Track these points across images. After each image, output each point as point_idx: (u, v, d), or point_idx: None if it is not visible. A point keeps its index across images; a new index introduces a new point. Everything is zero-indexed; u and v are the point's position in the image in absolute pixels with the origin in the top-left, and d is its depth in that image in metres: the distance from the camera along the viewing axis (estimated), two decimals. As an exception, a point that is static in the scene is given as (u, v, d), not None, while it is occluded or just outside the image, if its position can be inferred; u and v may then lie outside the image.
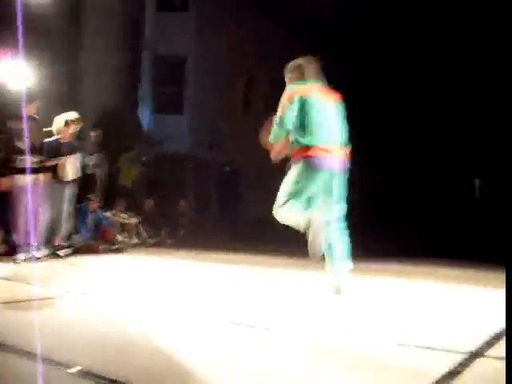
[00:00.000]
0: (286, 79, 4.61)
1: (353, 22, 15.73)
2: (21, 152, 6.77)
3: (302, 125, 4.32)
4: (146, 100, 16.27)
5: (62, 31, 11.24)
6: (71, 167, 7.70)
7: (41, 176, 7.04)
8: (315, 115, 4.33)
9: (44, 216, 7.20)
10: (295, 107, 4.31)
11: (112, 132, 12.01)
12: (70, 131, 7.72)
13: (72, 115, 7.71)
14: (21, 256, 6.76)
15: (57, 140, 7.68)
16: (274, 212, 4.41)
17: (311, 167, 4.28)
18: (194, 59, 17.50)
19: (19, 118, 6.80)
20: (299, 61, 4.59)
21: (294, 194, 4.32)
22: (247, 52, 16.68)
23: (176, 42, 17.09)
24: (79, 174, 7.96)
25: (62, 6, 9.96)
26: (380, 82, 15.95)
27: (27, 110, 6.83)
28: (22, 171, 6.79)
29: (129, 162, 12.02)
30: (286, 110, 4.32)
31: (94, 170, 10.11)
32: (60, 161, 7.50)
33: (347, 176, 4.50)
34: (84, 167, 9.41)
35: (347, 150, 4.54)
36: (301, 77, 4.51)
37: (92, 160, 10.06)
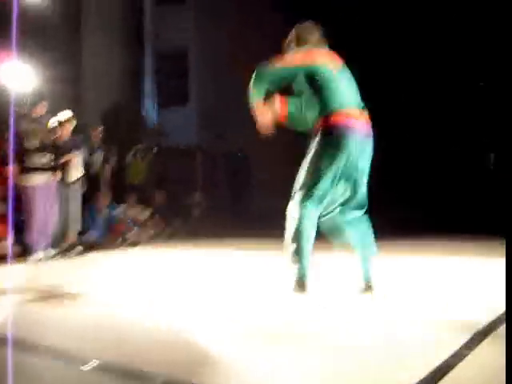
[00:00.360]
0: (289, 47, 4.09)
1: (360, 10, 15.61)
2: (31, 152, 6.79)
3: (321, 93, 3.75)
4: (149, 94, 16.25)
5: (62, 29, 11.24)
6: (73, 168, 7.74)
7: (53, 176, 7.05)
8: (335, 80, 3.79)
9: (56, 216, 7.23)
10: (306, 70, 3.77)
11: (118, 127, 12.02)
12: (64, 131, 7.71)
13: (64, 115, 7.67)
14: (35, 256, 6.80)
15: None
16: (294, 206, 3.72)
17: (338, 136, 3.65)
18: (195, 50, 17.44)
19: (28, 118, 6.86)
20: (303, 27, 4.08)
21: (320, 183, 3.63)
22: (249, 40, 16.60)
23: (176, 34, 17.04)
24: (82, 173, 7.97)
25: (61, 4, 9.94)
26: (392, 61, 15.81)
27: (36, 111, 6.89)
28: (34, 171, 6.82)
29: (137, 156, 12.00)
30: (293, 68, 3.79)
31: (102, 167, 10.10)
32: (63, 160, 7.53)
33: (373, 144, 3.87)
34: (91, 164, 9.46)
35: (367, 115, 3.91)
36: (308, 41, 3.98)
37: (99, 157, 10.05)
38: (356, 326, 2.91)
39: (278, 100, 3.94)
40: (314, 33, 4.03)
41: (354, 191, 3.78)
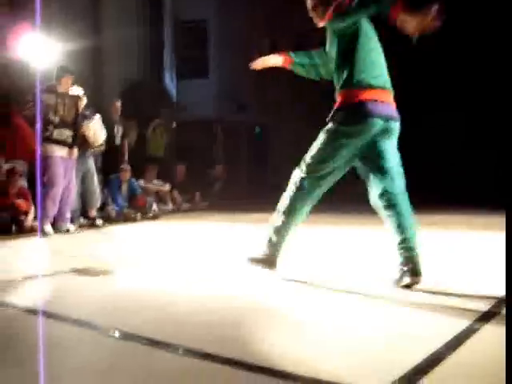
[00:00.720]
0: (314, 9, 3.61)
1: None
2: (54, 125, 6.86)
3: (351, 59, 3.38)
4: (169, 66, 16.20)
5: (81, 4, 11.22)
6: (98, 130, 7.78)
7: (74, 149, 7.12)
8: (371, 47, 3.44)
9: (74, 191, 7.28)
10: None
11: (138, 101, 12.03)
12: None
13: (76, 91, 7.68)
14: (48, 228, 6.82)
15: None
16: (296, 175, 3.55)
17: (364, 115, 3.34)
18: (214, 22, 17.31)
19: (51, 91, 6.87)
20: None
21: (329, 162, 3.43)
22: (269, 12, 16.43)
23: (196, 6, 16.90)
24: (105, 136, 8.00)
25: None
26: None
27: (60, 86, 6.91)
28: (57, 143, 6.91)
29: (156, 130, 12.02)
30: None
31: (122, 141, 10.13)
32: (84, 127, 7.57)
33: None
34: (111, 138, 9.49)
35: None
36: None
37: (119, 130, 10.07)
38: (354, 306, 2.91)
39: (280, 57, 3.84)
40: None
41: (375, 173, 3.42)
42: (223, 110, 16.50)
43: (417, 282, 3.17)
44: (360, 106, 3.33)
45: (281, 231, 3.56)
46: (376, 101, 3.34)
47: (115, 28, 12.24)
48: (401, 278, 3.21)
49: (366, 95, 3.33)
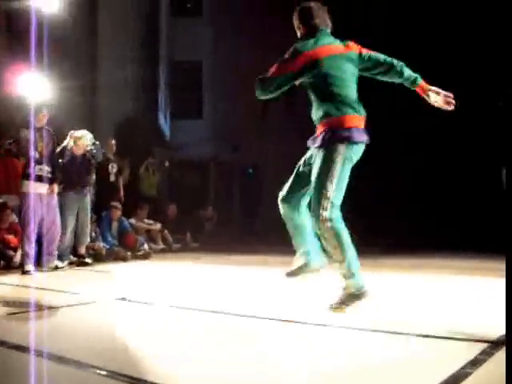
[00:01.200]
0: (296, 26, 3.90)
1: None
2: (32, 161, 6.79)
3: (326, 92, 3.61)
4: (164, 106, 16.34)
5: (78, 43, 11.35)
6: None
7: (54, 186, 7.03)
8: (340, 78, 3.63)
9: (59, 226, 7.16)
10: (306, 72, 3.61)
11: (132, 139, 12.08)
12: (79, 149, 7.83)
13: (79, 134, 7.76)
14: (30, 266, 6.61)
15: (71, 152, 7.82)
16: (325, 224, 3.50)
17: (352, 144, 3.56)
18: (210, 63, 17.53)
19: (29, 127, 6.84)
20: (315, 5, 3.84)
21: (339, 191, 3.56)
22: (263, 54, 16.66)
23: (191, 47, 17.14)
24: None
25: (78, 18, 10.05)
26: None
27: (36, 121, 6.87)
28: (36, 179, 6.80)
29: (149, 169, 12.05)
30: (288, 74, 3.62)
31: (116, 179, 10.16)
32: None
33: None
34: (105, 175, 9.55)
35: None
36: (321, 23, 3.76)
37: (114, 168, 10.11)
38: (360, 339, 2.88)
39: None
40: (320, 15, 3.80)
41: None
42: (216, 151, 16.58)
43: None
44: (346, 134, 3.53)
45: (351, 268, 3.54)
46: (357, 127, 3.59)
47: (111, 67, 12.37)
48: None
49: (349, 124, 3.55)
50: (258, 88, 3.71)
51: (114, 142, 10.23)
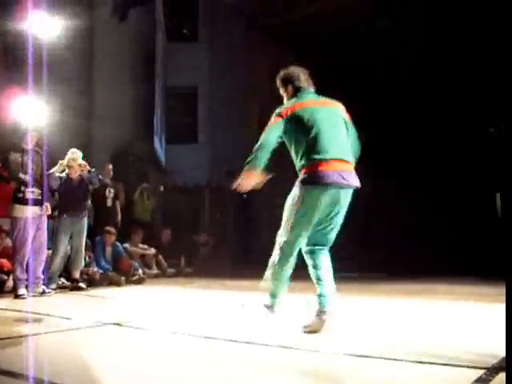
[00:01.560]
0: (282, 90, 4.27)
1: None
2: (23, 184, 6.75)
3: (303, 141, 3.89)
4: (159, 130, 16.39)
5: (74, 68, 11.40)
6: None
7: (44, 207, 6.95)
8: (319, 126, 3.88)
9: (45, 250, 7.08)
10: (286, 124, 3.93)
11: (127, 164, 12.09)
12: (76, 171, 7.82)
13: (72, 156, 7.76)
14: (23, 290, 6.58)
15: (66, 175, 7.80)
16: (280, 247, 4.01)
17: (319, 185, 3.79)
18: (205, 88, 17.63)
19: (19, 150, 6.82)
20: (296, 69, 4.23)
21: (302, 227, 3.90)
22: (259, 79, 16.78)
23: (187, 72, 17.24)
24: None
25: (74, 43, 10.10)
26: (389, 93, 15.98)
27: (25, 143, 6.85)
28: (26, 202, 6.74)
29: (143, 194, 12.03)
30: (273, 127, 3.95)
31: (112, 204, 10.15)
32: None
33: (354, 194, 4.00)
34: (104, 199, 9.57)
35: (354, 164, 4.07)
36: (298, 87, 4.14)
37: (110, 192, 10.12)
38: (359, 363, 2.85)
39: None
40: (300, 77, 4.16)
41: (327, 230, 3.97)
42: (211, 176, 16.59)
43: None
44: (314, 178, 3.79)
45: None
46: (329, 173, 3.78)
47: (106, 91, 12.42)
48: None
49: (320, 168, 3.79)
50: (254, 158, 3.97)
51: (110, 166, 10.25)
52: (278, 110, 4.00)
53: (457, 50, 14.76)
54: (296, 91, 4.14)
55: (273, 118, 3.99)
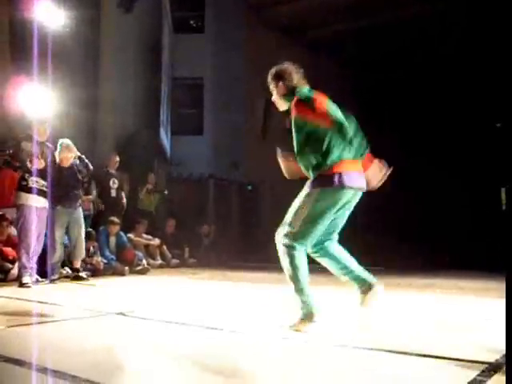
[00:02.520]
0: (273, 86, 4.03)
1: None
2: (28, 172, 6.79)
3: (319, 141, 3.62)
4: (165, 122, 16.38)
5: (81, 58, 11.41)
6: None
7: (45, 200, 6.97)
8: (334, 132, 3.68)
9: (42, 240, 7.10)
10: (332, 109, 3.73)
11: (133, 155, 12.10)
12: (67, 161, 7.78)
13: (67, 143, 7.75)
14: (27, 279, 6.62)
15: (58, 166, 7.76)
16: (283, 247, 3.71)
17: (338, 187, 3.62)
18: (211, 80, 17.62)
19: (29, 140, 6.82)
20: (290, 66, 4.02)
21: (311, 229, 3.67)
22: (265, 71, 16.72)
23: (193, 64, 17.23)
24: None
25: (81, 34, 10.11)
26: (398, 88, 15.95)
27: (38, 135, 6.87)
28: (29, 191, 6.77)
29: (151, 186, 12.03)
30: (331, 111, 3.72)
31: (117, 194, 10.18)
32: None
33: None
34: (108, 190, 9.59)
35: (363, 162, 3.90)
36: (299, 82, 3.92)
37: (115, 183, 10.15)
38: (357, 358, 2.87)
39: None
40: (293, 75, 3.95)
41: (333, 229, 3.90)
42: (216, 167, 16.60)
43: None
44: (333, 180, 3.61)
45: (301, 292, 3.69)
46: (347, 174, 3.64)
47: (113, 82, 12.42)
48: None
49: (338, 170, 3.62)
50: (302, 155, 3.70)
51: (117, 158, 10.27)
52: (309, 95, 3.80)
53: (464, 46, 14.74)
54: (290, 89, 3.91)
55: (316, 105, 3.73)
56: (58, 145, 7.67)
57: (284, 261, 3.72)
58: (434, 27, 14.93)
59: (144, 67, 14.06)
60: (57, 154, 7.64)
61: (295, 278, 3.66)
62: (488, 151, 14.13)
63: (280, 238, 3.75)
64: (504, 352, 2.91)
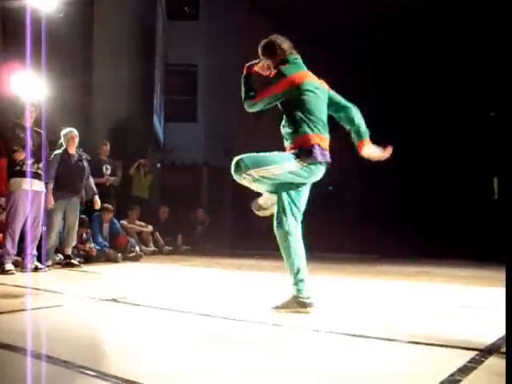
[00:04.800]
0: (266, 57, 4.16)
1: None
2: (25, 159, 6.67)
3: (299, 115, 3.86)
4: (158, 108, 16.33)
5: (74, 43, 11.33)
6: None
7: (38, 184, 6.90)
8: (314, 101, 3.90)
9: (41, 226, 7.01)
10: (290, 93, 3.89)
11: (125, 142, 12.07)
12: (74, 146, 7.83)
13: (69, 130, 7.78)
14: (10, 266, 6.51)
15: (65, 151, 7.78)
16: (281, 227, 3.85)
17: (313, 159, 3.78)
18: (205, 67, 17.55)
19: (20, 126, 6.76)
20: (280, 38, 4.14)
21: (295, 203, 3.89)
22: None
23: (186, 51, 17.16)
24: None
25: (74, 19, 10.03)
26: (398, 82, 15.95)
27: (25, 121, 6.81)
28: (24, 175, 6.68)
29: (140, 170, 12.00)
30: (273, 96, 3.94)
31: (109, 180, 10.15)
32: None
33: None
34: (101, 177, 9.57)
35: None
36: (286, 53, 4.06)
37: (108, 170, 10.13)
38: (351, 343, 2.88)
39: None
40: (284, 43, 4.10)
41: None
42: (209, 154, 16.59)
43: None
44: (311, 152, 3.77)
45: (297, 276, 3.81)
46: (323, 148, 3.84)
47: (106, 68, 12.36)
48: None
49: (315, 142, 3.80)
50: (247, 106, 4.09)
51: (107, 146, 10.25)
52: (285, 71, 3.93)
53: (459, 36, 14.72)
54: (287, 59, 4.05)
55: (276, 83, 3.95)
56: (62, 134, 7.74)
57: (279, 241, 3.88)
58: (429, 17, 14.89)
59: (137, 53, 14.01)
60: (62, 139, 7.74)
61: (287, 259, 3.83)
62: (481, 140, 14.17)
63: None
64: (495, 339, 2.95)
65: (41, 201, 6.95)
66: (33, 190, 6.77)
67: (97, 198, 8.20)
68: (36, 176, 6.82)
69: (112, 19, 12.86)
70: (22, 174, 6.69)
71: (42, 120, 7.14)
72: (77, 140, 7.82)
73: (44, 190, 7.03)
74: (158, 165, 13.45)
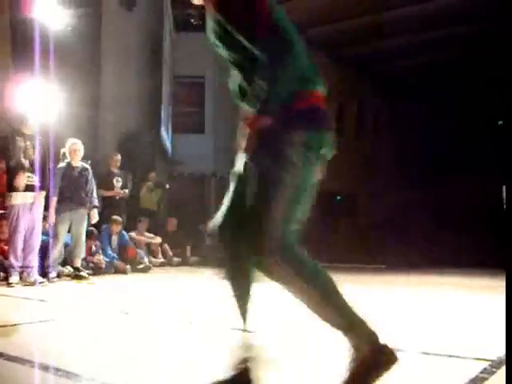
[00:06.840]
0: None
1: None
2: (25, 169, 6.68)
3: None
4: (166, 120, 16.37)
5: (82, 56, 11.40)
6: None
7: (41, 193, 6.87)
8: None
9: (39, 237, 6.93)
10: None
11: (135, 153, 12.10)
12: (78, 158, 7.84)
13: (78, 141, 7.80)
14: (13, 279, 6.49)
15: (68, 164, 7.79)
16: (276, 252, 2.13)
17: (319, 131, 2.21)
18: (212, 78, 17.60)
19: (20, 134, 6.75)
20: None
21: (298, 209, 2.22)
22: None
23: (194, 62, 17.21)
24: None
25: (82, 32, 10.10)
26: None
27: (26, 129, 6.79)
28: (26, 189, 6.67)
29: (151, 183, 12.02)
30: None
31: (119, 192, 10.16)
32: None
33: None
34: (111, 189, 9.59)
35: None
36: None
37: (118, 182, 10.14)
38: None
39: None
40: None
41: None
42: (217, 166, 16.60)
43: None
44: (314, 118, 2.24)
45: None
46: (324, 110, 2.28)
47: (114, 80, 12.42)
48: None
49: (315, 102, 2.28)
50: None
51: (118, 157, 10.26)
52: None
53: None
54: None
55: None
56: (67, 145, 7.76)
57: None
58: (441, 26, 14.87)
59: (145, 66, 14.06)
60: (66, 150, 7.73)
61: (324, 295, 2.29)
62: (490, 149, 14.12)
63: None
64: (491, 361, 2.90)
65: (36, 211, 6.84)
66: (30, 202, 6.73)
67: (95, 211, 8.01)
68: (29, 188, 6.74)
69: (120, 32, 12.93)
70: (15, 188, 6.65)
71: (50, 132, 7.17)
72: (80, 152, 7.80)
73: (38, 199, 6.89)
74: (167, 186, 13.41)
